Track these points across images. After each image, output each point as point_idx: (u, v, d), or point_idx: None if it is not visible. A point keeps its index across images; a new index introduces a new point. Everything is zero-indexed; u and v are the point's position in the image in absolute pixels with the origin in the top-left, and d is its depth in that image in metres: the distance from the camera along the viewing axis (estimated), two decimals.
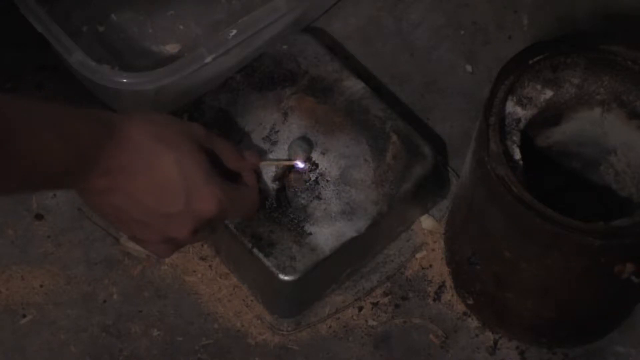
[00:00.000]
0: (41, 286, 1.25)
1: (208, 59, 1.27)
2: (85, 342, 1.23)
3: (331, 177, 1.22)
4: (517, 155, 1.09)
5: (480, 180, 1.10)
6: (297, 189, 1.22)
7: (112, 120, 0.99)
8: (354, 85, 1.29)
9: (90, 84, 1.30)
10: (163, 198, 1.02)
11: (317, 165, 1.23)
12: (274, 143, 1.24)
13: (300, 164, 1.22)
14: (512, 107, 1.11)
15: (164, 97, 1.28)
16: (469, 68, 1.40)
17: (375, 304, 1.25)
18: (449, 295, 1.26)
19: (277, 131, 1.25)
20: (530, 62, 1.12)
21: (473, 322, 1.24)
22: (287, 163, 1.22)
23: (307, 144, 1.23)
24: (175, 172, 1.02)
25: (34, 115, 0.92)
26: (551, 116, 1.14)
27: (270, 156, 1.23)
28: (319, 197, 1.22)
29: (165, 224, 1.04)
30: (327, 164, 1.23)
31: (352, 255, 1.23)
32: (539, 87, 1.12)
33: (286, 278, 1.19)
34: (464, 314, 1.25)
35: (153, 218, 1.03)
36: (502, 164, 1.07)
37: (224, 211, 1.06)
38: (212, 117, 1.27)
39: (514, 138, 1.10)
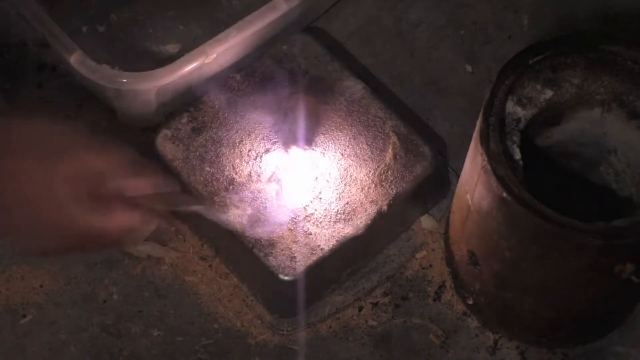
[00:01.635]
0: (41, 286, 1.25)
1: (208, 59, 1.27)
2: (85, 342, 1.23)
3: (331, 177, 1.22)
4: (517, 155, 1.08)
5: (481, 180, 1.10)
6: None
7: None
8: (354, 85, 1.29)
9: (90, 84, 1.30)
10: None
11: (317, 166, 1.23)
12: (274, 143, 1.24)
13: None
14: (512, 107, 1.11)
15: (164, 97, 1.28)
16: (469, 68, 1.40)
17: (375, 304, 1.25)
18: (449, 295, 1.26)
19: (277, 131, 1.25)
20: (530, 62, 1.12)
21: (473, 322, 1.24)
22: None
23: (306, 144, 1.23)
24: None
25: None
26: (551, 116, 1.14)
27: (271, 156, 1.23)
28: (319, 197, 1.22)
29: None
30: (327, 164, 1.23)
31: (352, 255, 1.23)
32: (539, 87, 1.12)
33: (286, 278, 1.19)
34: (464, 314, 1.25)
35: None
36: (502, 164, 1.07)
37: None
38: (212, 117, 1.27)
39: (514, 138, 1.10)
